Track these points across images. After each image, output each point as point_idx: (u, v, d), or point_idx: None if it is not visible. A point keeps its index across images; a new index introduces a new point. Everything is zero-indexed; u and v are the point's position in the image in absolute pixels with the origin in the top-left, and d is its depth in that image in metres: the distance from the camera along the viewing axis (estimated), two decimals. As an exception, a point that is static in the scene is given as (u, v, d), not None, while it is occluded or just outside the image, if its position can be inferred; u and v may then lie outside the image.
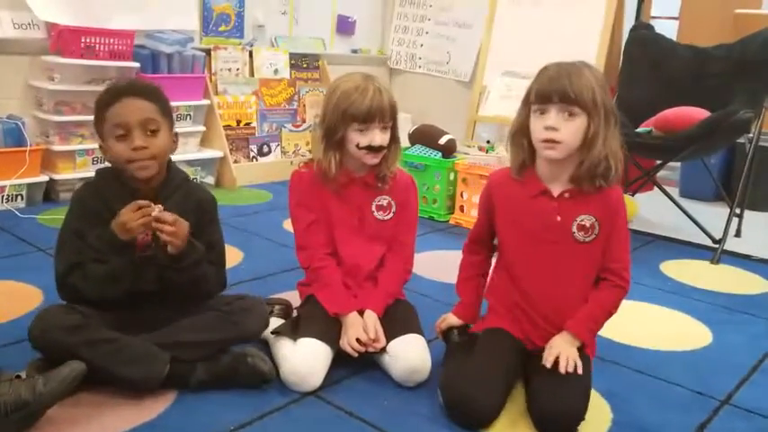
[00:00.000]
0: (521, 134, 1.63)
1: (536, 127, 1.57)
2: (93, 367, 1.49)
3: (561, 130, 1.53)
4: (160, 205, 1.57)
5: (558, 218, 1.64)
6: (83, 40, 3.14)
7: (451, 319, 1.79)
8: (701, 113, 2.91)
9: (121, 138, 1.58)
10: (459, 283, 1.83)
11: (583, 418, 1.52)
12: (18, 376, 1.42)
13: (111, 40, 3.23)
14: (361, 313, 1.75)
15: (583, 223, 1.63)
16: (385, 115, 1.73)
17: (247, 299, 1.75)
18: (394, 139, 1.80)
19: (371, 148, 1.73)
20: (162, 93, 1.68)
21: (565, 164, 1.60)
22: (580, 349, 1.62)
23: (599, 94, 1.54)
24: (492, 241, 1.81)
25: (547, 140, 1.55)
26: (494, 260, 1.82)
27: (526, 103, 1.61)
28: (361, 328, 1.70)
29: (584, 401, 1.53)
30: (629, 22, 3.85)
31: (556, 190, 1.64)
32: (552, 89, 1.53)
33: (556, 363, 1.56)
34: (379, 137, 1.73)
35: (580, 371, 1.55)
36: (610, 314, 1.68)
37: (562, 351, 1.57)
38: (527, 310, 1.68)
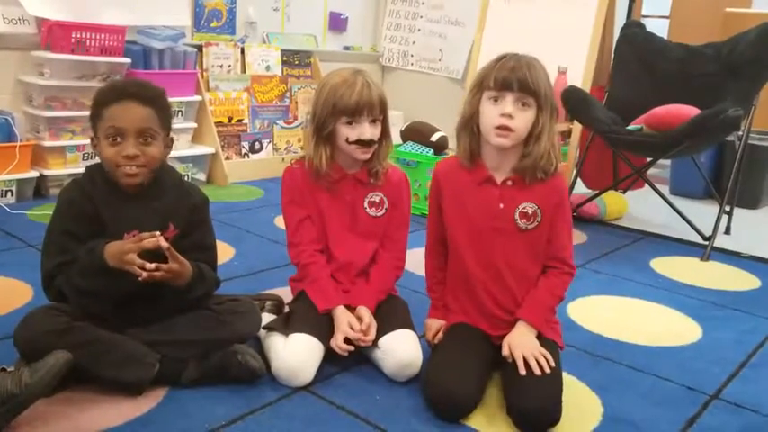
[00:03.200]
0: (471, 121, 1.64)
1: (490, 114, 1.59)
2: (82, 368, 1.48)
3: (515, 119, 1.56)
4: (164, 242, 1.51)
5: (501, 205, 1.66)
6: (73, 36, 3.12)
7: (435, 324, 1.78)
8: (691, 111, 2.92)
9: (115, 142, 1.55)
10: (430, 288, 1.84)
11: (560, 411, 1.50)
12: (4, 369, 1.41)
13: (102, 36, 3.21)
14: (353, 309, 1.75)
15: (525, 210, 1.65)
16: (374, 109, 1.72)
17: (241, 302, 1.73)
18: (385, 134, 1.80)
19: (361, 142, 1.74)
20: (165, 99, 1.64)
21: (509, 153, 1.63)
22: (540, 337, 1.63)
23: (549, 88, 1.60)
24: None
25: (501, 127, 1.57)
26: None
27: (479, 89, 1.62)
28: (348, 323, 1.70)
29: (556, 389, 1.53)
30: (619, 21, 3.88)
31: (499, 177, 1.66)
32: (514, 77, 1.55)
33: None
34: (368, 131, 1.73)
35: (553, 364, 1.55)
36: (560, 300, 1.71)
37: (526, 349, 1.57)
38: (476, 300, 1.70)
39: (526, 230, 1.66)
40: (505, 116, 1.56)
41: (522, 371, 1.54)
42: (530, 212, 1.65)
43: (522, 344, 1.59)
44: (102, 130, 1.56)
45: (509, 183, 1.66)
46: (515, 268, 1.68)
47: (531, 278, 1.69)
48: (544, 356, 1.56)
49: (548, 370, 1.53)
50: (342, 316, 1.71)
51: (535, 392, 1.51)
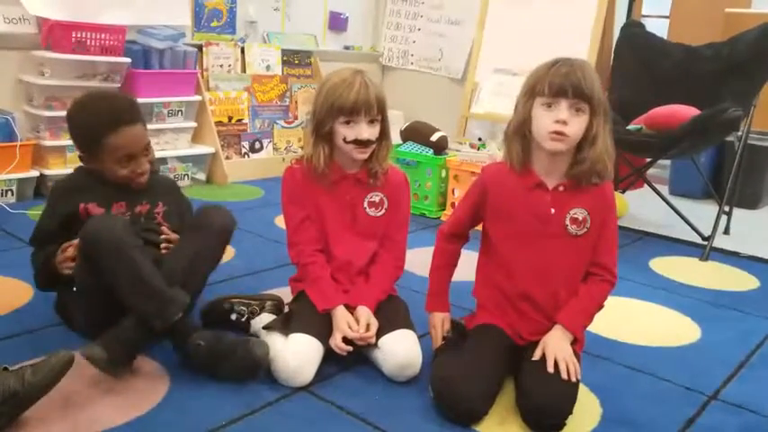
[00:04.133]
0: (524, 126, 1.63)
1: (544, 120, 1.58)
2: (118, 284, 1.58)
3: (570, 124, 1.55)
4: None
5: (552, 210, 1.65)
6: (74, 35, 3.13)
7: (437, 319, 1.79)
8: (691, 111, 2.92)
9: (127, 164, 1.76)
10: (433, 271, 1.83)
11: (570, 412, 1.53)
12: (6, 368, 1.42)
13: (103, 36, 3.21)
14: (353, 309, 1.75)
15: (576, 216, 1.65)
16: (371, 108, 1.72)
17: (205, 208, 1.83)
18: (384, 134, 1.80)
19: (359, 142, 1.74)
20: (137, 104, 1.85)
21: (561, 158, 1.62)
22: (573, 346, 1.63)
23: (602, 92, 1.58)
24: (468, 233, 1.82)
25: (556, 132, 1.56)
26: (477, 256, 1.82)
27: (531, 95, 1.61)
28: (347, 323, 1.70)
29: (572, 394, 1.55)
30: (619, 21, 3.88)
31: (551, 183, 1.65)
32: (568, 83, 1.54)
33: (543, 356, 1.58)
34: (366, 130, 1.74)
35: (580, 376, 1.58)
36: (599, 308, 1.71)
37: (559, 353, 1.58)
38: (517, 303, 1.70)
39: (576, 236, 1.65)
40: (560, 122, 1.55)
41: (551, 369, 1.55)
42: (580, 218, 1.65)
43: (557, 347, 1.60)
44: (108, 153, 1.74)
45: (560, 188, 1.65)
46: (562, 273, 1.67)
47: (576, 284, 1.69)
48: (574, 365, 1.57)
49: (573, 379, 1.55)
50: (341, 316, 1.72)
51: (553, 389, 1.53)
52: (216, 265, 1.81)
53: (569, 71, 1.55)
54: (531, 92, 1.61)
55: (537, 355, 1.60)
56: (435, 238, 1.84)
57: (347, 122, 1.73)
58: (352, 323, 1.70)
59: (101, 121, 1.73)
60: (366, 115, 1.72)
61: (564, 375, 1.54)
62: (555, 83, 1.56)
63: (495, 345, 1.67)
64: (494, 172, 1.75)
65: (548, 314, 1.68)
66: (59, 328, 1.86)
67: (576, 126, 1.56)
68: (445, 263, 1.82)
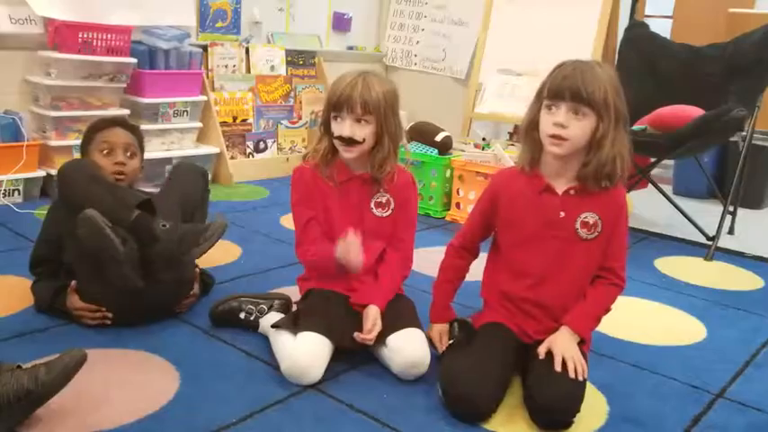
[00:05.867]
0: (532, 128, 1.64)
1: (545, 122, 1.59)
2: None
3: (569, 127, 1.55)
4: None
5: (562, 213, 1.66)
6: (80, 36, 3.14)
7: (440, 329, 1.79)
8: (695, 111, 2.93)
9: (107, 154, 1.99)
10: (439, 285, 1.84)
11: (578, 410, 1.54)
12: (19, 366, 1.43)
13: (109, 36, 3.23)
14: (362, 308, 1.76)
15: (586, 220, 1.65)
16: (354, 106, 1.71)
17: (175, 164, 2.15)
18: (380, 139, 1.78)
19: (341, 139, 1.75)
20: (140, 131, 2.13)
21: (571, 161, 1.62)
22: (579, 346, 1.64)
23: (611, 94, 1.55)
24: (478, 247, 1.83)
25: (553, 136, 1.57)
26: (485, 258, 1.83)
27: (539, 98, 1.62)
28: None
29: (580, 393, 1.55)
30: (623, 21, 3.88)
31: (561, 186, 1.66)
32: (565, 86, 1.54)
33: (550, 355, 1.59)
34: (348, 128, 1.73)
35: (587, 375, 1.58)
36: (606, 312, 1.72)
37: (566, 352, 1.59)
38: (524, 305, 1.70)
39: (586, 240, 1.66)
40: (557, 125, 1.56)
41: (558, 367, 1.56)
42: (591, 222, 1.65)
43: (564, 346, 1.60)
44: (95, 146, 2.01)
45: (571, 192, 1.65)
46: (570, 277, 1.68)
47: (584, 287, 1.69)
48: (581, 365, 1.58)
49: (581, 378, 1.56)
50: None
51: (561, 387, 1.53)
52: (205, 203, 2.13)
53: (569, 74, 1.55)
54: (539, 95, 1.62)
55: (542, 353, 1.61)
56: (445, 252, 1.85)
57: (335, 117, 1.75)
58: (368, 322, 1.72)
59: (105, 120, 2.09)
60: (350, 112, 1.72)
61: (571, 374, 1.55)
62: (554, 86, 1.56)
63: (503, 343, 1.68)
64: (503, 177, 1.76)
65: (555, 316, 1.69)
66: (69, 327, 1.87)
67: (576, 129, 1.55)
68: (451, 278, 1.83)
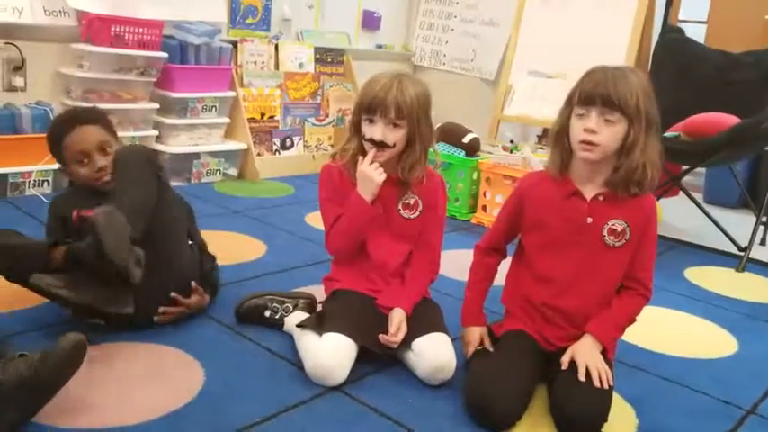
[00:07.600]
0: (562, 134, 1.62)
1: (576, 128, 1.57)
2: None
3: (600, 133, 1.54)
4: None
5: (590, 219, 1.63)
6: (113, 29, 3.16)
7: (474, 335, 1.77)
8: (730, 120, 2.88)
9: (85, 163, 1.83)
10: (470, 286, 1.82)
11: (605, 420, 1.51)
12: (22, 354, 1.38)
13: (141, 30, 3.25)
14: (388, 311, 1.75)
15: (614, 227, 1.63)
16: (387, 110, 1.70)
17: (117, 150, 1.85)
18: (411, 143, 1.77)
19: (372, 141, 1.73)
20: (102, 112, 1.96)
21: (601, 167, 1.60)
22: (603, 354, 1.62)
23: (642, 101, 1.54)
24: (506, 248, 1.81)
25: (584, 142, 1.55)
26: (508, 263, 1.81)
27: (569, 103, 1.61)
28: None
29: (606, 403, 1.53)
30: (656, 25, 3.82)
31: (589, 192, 1.64)
32: (596, 93, 1.53)
33: (574, 364, 1.57)
34: (379, 131, 1.72)
35: (612, 383, 1.55)
36: (631, 322, 1.69)
37: (590, 360, 1.56)
38: (546, 312, 1.68)
39: (613, 247, 1.63)
40: (588, 131, 1.54)
41: (582, 377, 1.53)
42: (618, 230, 1.63)
43: (588, 355, 1.58)
44: (70, 157, 1.84)
45: (600, 198, 1.63)
46: (595, 284, 1.65)
47: (609, 296, 1.67)
48: (606, 373, 1.55)
49: (606, 386, 1.53)
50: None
51: (587, 398, 1.51)
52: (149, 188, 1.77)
53: (601, 80, 1.54)
54: (569, 101, 1.61)
55: (566, 363, 1.59)
56: (473, 253, 1.83)
57: (368, 120, 1.73)
58: (393, 325, 1.70)
59: (62, 122, 1.89)
60: (383, 116, 1.71)
61: (596, 383, 1.53)
62: (585, 92, 1.55)
63: (525, 351, 1.66)
64: (531, 181, 1.74)
65: (577, 324, 1.66)
66: (79, 323, 1.85)
67: (606, 135, 1.54)
68: (482, 277, 1.81)
